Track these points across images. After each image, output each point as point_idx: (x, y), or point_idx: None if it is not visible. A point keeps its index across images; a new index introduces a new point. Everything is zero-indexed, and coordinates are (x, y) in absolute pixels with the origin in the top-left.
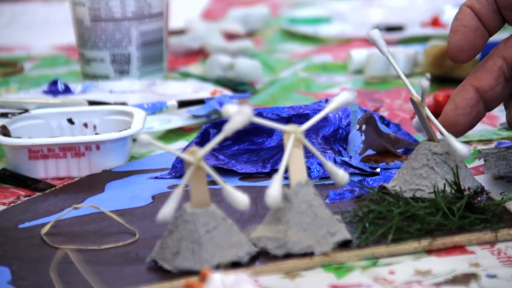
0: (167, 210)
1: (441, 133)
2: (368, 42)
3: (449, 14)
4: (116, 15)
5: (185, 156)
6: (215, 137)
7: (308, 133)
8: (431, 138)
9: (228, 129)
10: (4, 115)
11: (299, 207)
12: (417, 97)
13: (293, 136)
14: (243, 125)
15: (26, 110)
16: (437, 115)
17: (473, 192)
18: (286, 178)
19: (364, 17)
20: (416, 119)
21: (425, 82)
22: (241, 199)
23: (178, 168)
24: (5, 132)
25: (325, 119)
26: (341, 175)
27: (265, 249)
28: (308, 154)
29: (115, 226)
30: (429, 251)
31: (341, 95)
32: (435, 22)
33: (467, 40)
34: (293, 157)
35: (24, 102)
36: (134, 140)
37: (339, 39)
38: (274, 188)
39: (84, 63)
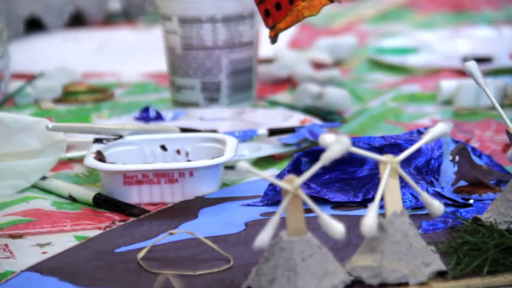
0: (264, 237)
1: None
2: (457, 72)
3: None
4: (207, 43)
5: (283, 184)
6: (313, 166)
7: (401, 163)
8: None
9: (326, 158)
10: (99, 140)
11: (394, 236)
12: None
13: (389, 166)
14: (341, 154)
15: (121, 136)
16: None
17: None
18: (380, 207)
19: (451, 48)
20: (511, 151)
21: None
22: (337, 228)
23: (270, 196)
24: (100, 157)
25: (418, 149)
26: (436, 206)
27: (360, 278)
28: (400, 184)
29: (209, 252)
30: None
31: (437, 126)
32: None
33: None
34: (389, 187)
35: (119, 128)
36: (227, 167)
37: (427, 70)
38: (369, 218)
39: (174, 90)
